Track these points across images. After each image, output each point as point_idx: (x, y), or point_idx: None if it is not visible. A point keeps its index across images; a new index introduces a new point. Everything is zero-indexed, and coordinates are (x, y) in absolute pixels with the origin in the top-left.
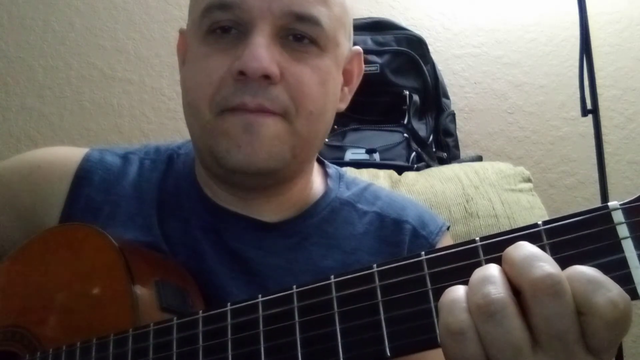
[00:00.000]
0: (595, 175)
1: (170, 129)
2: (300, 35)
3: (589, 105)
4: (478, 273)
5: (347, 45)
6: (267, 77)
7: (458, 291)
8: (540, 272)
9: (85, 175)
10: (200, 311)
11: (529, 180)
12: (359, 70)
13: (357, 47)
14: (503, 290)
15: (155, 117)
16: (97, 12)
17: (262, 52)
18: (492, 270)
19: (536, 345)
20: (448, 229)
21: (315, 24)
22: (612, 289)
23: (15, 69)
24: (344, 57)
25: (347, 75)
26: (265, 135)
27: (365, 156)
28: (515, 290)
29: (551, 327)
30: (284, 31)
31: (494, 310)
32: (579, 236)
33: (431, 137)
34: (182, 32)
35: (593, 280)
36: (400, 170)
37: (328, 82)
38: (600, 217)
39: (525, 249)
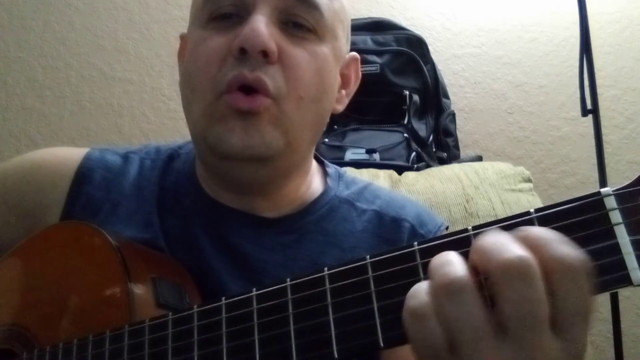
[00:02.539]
0: (595, 175)
1: (170, 129)
2: (299, 22)
3: (589, 105)
4: (436, 259)
5: (346, 47)
6: (265, 55)
7: (421, 283)
8: (509, 255)
9: (86, 174)
10: (195, 306)
11: (529, 180)
12: (357, 75)
13: (355, 53)
14: (462, 269)
15: (155, 117)
16: (97, 12)
17: (261, 27)
18: (450, 255)
19: (502, 332)
20: (447, 228)
21: (315, 8)
22: (563, 242)
23: (15, 69)
24: (342, 55)
25: (344, 78)
26: (259, 122)
27: (365, 156)
28: (483, 278)
29: (520, 311)
30: (284, 15)
31: (453, 289)
32: (571, 223)
33: (431, 137)
34: (182, 37)
35: (543, 236)
36: (400, 170)
37: (324, 71)
38: (592, 204)
39: (493, 236)
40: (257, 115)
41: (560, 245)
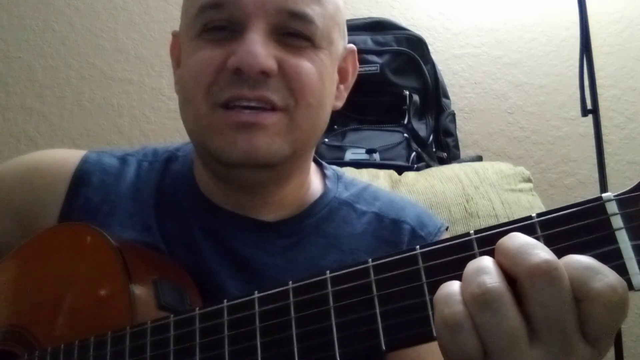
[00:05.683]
0: (595, 175)
1: (170, 129)
2: (294, 33)
3: (589, 105)
4: (471, 265)
5: (342, 43)
6: (264, 73)
7: (453, 285)
8: (537, 259)
9: (83, 176)
10: (197, 308)
11: (529, 180)
12: (354, 68)
13: (351, 45)
14: (498, 279)
15: (155, 117)
16: (97, 12)
17: (258, 48)
18: (486, 261)
19: (534, 336)
20: (447, 229)
21: (309, 22)
22: (609, 275)
23: (15, 69)
24: (338, 55)
25: (342, 73)
26: (265, 133)
27: (365, 156)
28: (511, 280)
29: (549, 314)
30: (279, 29)
31: (489, 299)
32: (573, 227)
33: (431, 137)
34: (175, 35)
35: (589, 267)
36: (400, 170)
37: (324, 76)
38: (594, 209)
39: (519, 238)
40: (263, 127)
41: (601, 276)
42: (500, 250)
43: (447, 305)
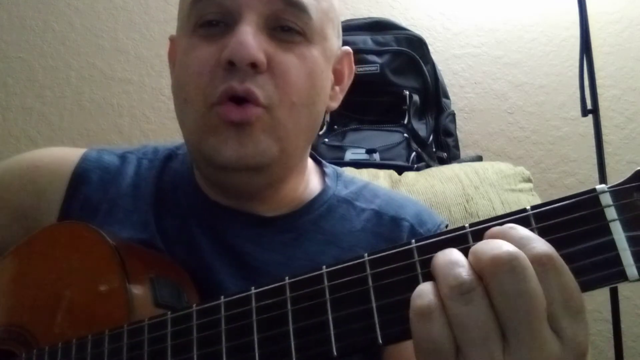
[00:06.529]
0: (595, 175)
1: (170, 129)
2: (287, 26)
3: (589, 105)
4: (443, 257)
5: (337, 43)
6: (254, 66)
7: (426, 284)
8: (497, 251)
9: (83, 174)
10: (194, 305)
11: (529, 180)
12: (350, 70)
13: (347, 47)
14: (469, 270)
15: (155, 117)
16: (97, 12)
17: (249, 39)
18: (457, 254)
19: (504, 335)
20: (447, 227)
21: (302, 10)
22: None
23: (15, 69)
24: (333, 53)
25: (337, 74)
26: (251, 131)
27: (365, 156)
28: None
29: (512, 304)
30: (272, 21)
31: (465, 289)
32: (567, 219)
33: (431, 137)
34: (172, 39)
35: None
36: (400, 170)
37: (315, 74)
38: (588, 200)
39: (488, 240)
40: (249, 125)
41: (535, 242)
42: (471, 251)
43: (420, 297)
